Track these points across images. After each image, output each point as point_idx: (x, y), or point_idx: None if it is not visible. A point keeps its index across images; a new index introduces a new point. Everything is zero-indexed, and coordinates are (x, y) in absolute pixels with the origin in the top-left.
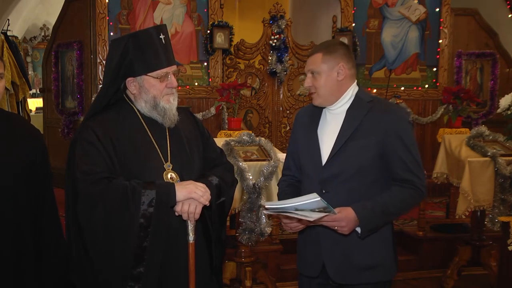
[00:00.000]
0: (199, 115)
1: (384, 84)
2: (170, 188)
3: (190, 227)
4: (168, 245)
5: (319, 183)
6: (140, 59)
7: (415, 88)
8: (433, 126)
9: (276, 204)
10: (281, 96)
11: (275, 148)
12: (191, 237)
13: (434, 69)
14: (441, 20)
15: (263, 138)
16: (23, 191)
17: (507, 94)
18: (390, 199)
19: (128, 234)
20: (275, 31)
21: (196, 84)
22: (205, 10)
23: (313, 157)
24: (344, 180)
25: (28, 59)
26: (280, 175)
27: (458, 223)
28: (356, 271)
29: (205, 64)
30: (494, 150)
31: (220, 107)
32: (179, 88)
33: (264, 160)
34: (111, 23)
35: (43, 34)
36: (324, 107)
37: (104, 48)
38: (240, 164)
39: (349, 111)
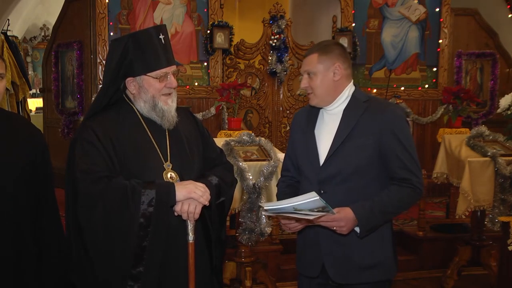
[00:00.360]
0: (199, 115)
1: (384, 84)
2: (170, 188)
3: (190, 227)
4: (168, 245)
5: (317, 184)
6: (139, 59)
7: (415, 88)
8: (433, 126)
9: (275, 204)
10: (281, 96)
11: (275, 148)
12: (190, 237)
13: (434, 69)
14: (441, 20)
15: (263, 138)
16: (23, 191)
17: (507, 94)
18: (389, 198)
19: (128, 234)
20: (275, 31)
21: (196, 84)
22: (205, 10)
23: (310, 158)
24: (342, 180)
25: (28, 59)
26: (280, 175)
27: (458, 223)
28: (356, 271)
29: (205, 64)
30: (494, 150)
31: (220, 107)
32: (179, 88)
33: (264, 160)
34: (111, 23)
35: (43, 34)
36: (321, 108)
37: (104, 48)
38: (240, 164)
39: (346, 111)
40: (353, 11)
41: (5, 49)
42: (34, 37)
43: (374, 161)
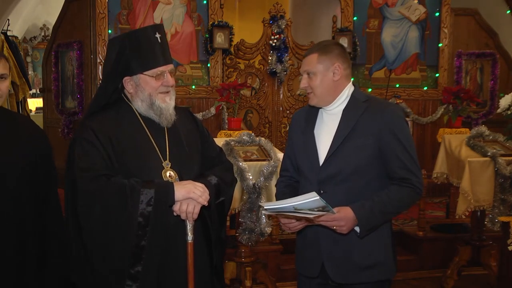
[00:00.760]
0: (199, 115)
1: (384, 84)
2: (169, 187)
3: (189, 227)
4: (167, 245)
5: (317, 184)
6: (136, 58)
7: (415, 88)
8: (433, 126)
9: (275, 204)
10: (281, 96)
11: (275, 148)
12: (189, 237)
13: (434, 69)
14: (441, 20)
15: (263, 138)
16: (26, 191)
17: (507, 94)
18: (388, 198)
19: (126, 233)
20: (275, 31)
21: (196, 84)
22: (205, 10)
23: (310, 158)
24: (342, 180)
25: (28, 59)
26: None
27: (458, 223)
28: (356, 271)
29: (205, 64)
30: (494, 150)
31: (220, 107)
32: (179, 88)
33: (264, 160)
34: (111, 23)
35: (43, 34)
36: (320, 108)
37: (104, 48)
38: (240, 164)
39: (345, 111)
40: (353, 11)
41: (5, 49)
42: (34, 37)
43: (374, 161)
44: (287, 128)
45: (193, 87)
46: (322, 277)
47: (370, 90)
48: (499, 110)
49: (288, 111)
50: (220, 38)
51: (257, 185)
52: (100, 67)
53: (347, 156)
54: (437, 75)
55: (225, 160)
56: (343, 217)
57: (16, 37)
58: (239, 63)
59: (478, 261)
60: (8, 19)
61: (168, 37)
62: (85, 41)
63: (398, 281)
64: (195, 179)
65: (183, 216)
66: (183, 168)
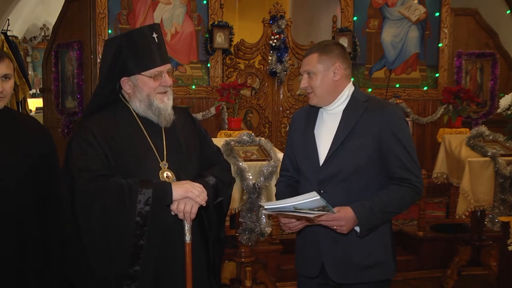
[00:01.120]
0: (199, 115)
1: (384, 84)
2: (166, 187)
3: (187, 227)
4: (165, 244)
5: (317, 184)
6: (133, 59)
7: (415, 88)
8: (433, 126)
9: (275, 204)
10: (281, 96)
11: (275, 148)
12: (187, 237)
13: (434, 69)
14: (441, 20)
15: (263, 138)
16: (28, 190)
17: (507, 94)
18: (388, 198)
19: (125, 232)
20: (275, 31)
21: (196, 84)
22: (205, 10)
23: (310, 158)
24: (342, 180)
25: (28, 59)
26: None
27: (458, 223)
28: (355, 271)
29: (205, 64)
30: (494, 150)
31: (220, 107)
32: (179, 88)
33: (264, 160)
34: (111, 23)
35: (43, 34)
36: (321, 107)
37: None
38: (240, 164)
39: (346, 111)
40: (353, 11)
41: (5, 49)
42: (34, 37)
43: (374, 161)
44: (287, 128)
45: (193, 87)
46: (322, 277)
47: (370, 90)
48: (499, 110)
49: (288, 111)
50: (220, 38)
51: (257, 185)
52: None
53: (347, 156)
54: (437, 75)
55: (222, 160)
56: (343, 217)
57: (16, 37)
58: (239, 63)
59: (478, 261)
60: (8, 19)
61: (168, 37)
62: (85, 41)
63: (398, 281)
64: (193, 179)
65: (180, 216)
66: (181, 169)
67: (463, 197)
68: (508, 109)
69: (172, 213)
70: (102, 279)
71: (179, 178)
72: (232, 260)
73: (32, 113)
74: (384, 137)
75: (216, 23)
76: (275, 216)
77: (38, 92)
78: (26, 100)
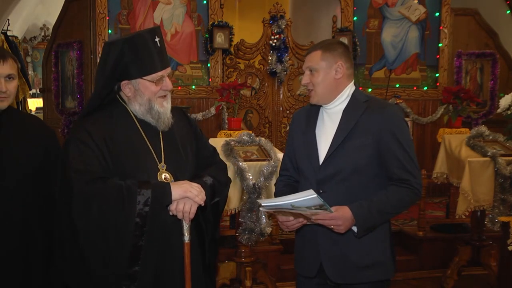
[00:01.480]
0: (199, 115)
1: (384, 84)
2: (165, 187)
3: (185, 227)
4: (164, 245)
5: (316, 183)
6: (135, 63)
7: (415, 88)
8: (433, 126)
9: (272, 201)
10: (281, 96)
11: (275, 148)
12: (186, 237)
13: (434, 69)
14: (441, 20)
15: (263, 138)
16: (32, 190)
17: (507, 94)
18: (387, 199)
19: (124, 233)
20: (275, 31)
21: (196, 84)
22: (205, 10)
23: (310, 157)
24: (341, 180)
25: (28, 59)
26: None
27: (458, 223)
28: (354, 271)
29: (205, 64)
30: (494, 150)
31: (220, 107)
32: (179, 88)
33: (264, 160)
34: (111, 23)
35: (43, 34)
36: (321, 106)
37: None
38: (240, 164)
39: (346, 111)
40: (353, 10)
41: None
42: (34, 37)
43: (373, 161)
44: (287, 128)
45: (193, 87)
46: (321, 277)
47: (370, 90)
48: (499, 110)
49: (288, 111)
50: (220, 38)
51: (257, 185)
52: None
53: (346, 156)
54: (437, 75)
55: (219, 160)
56: (340, 216)
57: (16, 37)
58: (239, 63)
59: (478, 261)
60: (8, 19)
61: (168, 37)
62: (85, 41)
63: (398, 281)
64: (191, 180)
65: (179, 216)
66: (178, 170)
67: (463, 197)
68: (508, 109)
69: (171, 213)
70: (101, 279)
71: (177, 179)
72: (232, 260)
73: (32, 113)
74: (384, 138)
75: (216, 23)
76: (273, 213)
77: (38, 92)
78: (26, 100)
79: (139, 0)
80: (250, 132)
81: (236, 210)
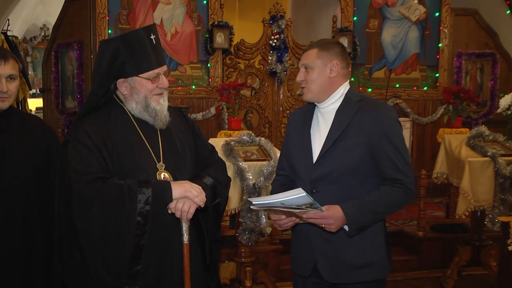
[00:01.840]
0: (199, 115)
1: (384, 84)
2: (166, 186)
3: (184, 227)
4: (165, 243)
5: (310, 183)
6: (131, 61)
7: (415, 88)
8: (433, 126)
9: (263, 199)
10: (281, 96)
11: (275, 148)
12: (185, 238)
13: (434, 69)
14: (441, 20)
15: (263, 138)
16: (32, 191)
17: (507, 94)
18: (379, 198)
19: (125, 233)
20: (275, 31)
21: (196, 84)
22: (205, 10)
23: (304, 157)
24: (334, 180)
25: (28, 59)
26: None
27: (458, 223)
28: (348, 270)
29: (205, 64)
30: (494, 150)
31: (220, 107)
32: (179, 88)
33: (264, 160)
34: (111, 23)
35: (43, 34)
36: (315, 104)
37: None
38: (240, 164)
39: (339, 110)
40: (353, 10)
41: None
42: (34, 37)
43: (366, 161)
44: None
45: (193, 87)
46: (316, 276)
47: (370, 90)
48: (499, 110)
49: (288, 111)
50: (220, 38)
51: (257, 185)
52: None
53: (339, 156)
54: (437, 75)
55: (217, 158)
56: (331, 215)
57: (16, 37)
58: (239, 63)
59: (478, 261)
60: (8, 19)
61: (168, 37)
62: (85, 41)
63: (398, 281)
64: (191, 180)
65: (177, 215)
66: (177, 169)
67: (463, 197)
68: (508, 109)
69: (169, 211)
70: (101, 280)
71: (175, 179)
72: (232, 260)
73: (32, 113)
74: (376, 137)
75: (216, 23)
76: (264, 210)
77: (38, 92)
78: (26, 100)
79: (139, 0)
80: (250, 132)
81: (236, 210)
